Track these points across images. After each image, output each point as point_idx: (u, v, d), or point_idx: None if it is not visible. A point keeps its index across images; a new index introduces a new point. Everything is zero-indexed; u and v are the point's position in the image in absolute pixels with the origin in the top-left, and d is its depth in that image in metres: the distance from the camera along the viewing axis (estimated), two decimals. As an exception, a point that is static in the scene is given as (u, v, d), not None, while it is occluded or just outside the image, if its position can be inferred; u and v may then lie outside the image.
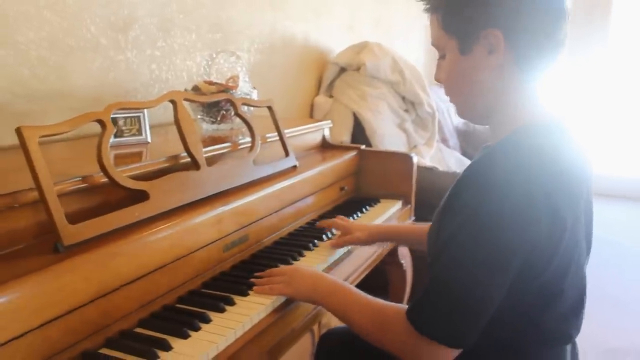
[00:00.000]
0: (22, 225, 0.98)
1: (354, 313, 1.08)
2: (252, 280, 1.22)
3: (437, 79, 1.11)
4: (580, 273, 1.04)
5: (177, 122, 1.26)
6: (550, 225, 0.92)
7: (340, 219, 1.58)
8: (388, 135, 2.87)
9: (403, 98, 3.13)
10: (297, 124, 1.89)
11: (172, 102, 1.27)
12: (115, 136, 1.42)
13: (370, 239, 1.52)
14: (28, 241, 0.98)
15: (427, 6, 1.07)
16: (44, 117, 1.55)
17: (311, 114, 2.93)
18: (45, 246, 0.96)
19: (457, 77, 1.06)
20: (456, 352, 0.95)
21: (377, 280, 1.89)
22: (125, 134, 1.45)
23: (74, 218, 0.98)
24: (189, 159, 1.28)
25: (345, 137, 2.78)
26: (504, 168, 0.92)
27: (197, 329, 1.02)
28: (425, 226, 1.40)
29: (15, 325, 0.82)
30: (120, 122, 1.43)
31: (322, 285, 1.15)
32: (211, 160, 1.35)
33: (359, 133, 2.80)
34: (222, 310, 1.10)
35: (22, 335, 0.83)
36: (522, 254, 0.91)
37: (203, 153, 1.30)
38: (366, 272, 1.67)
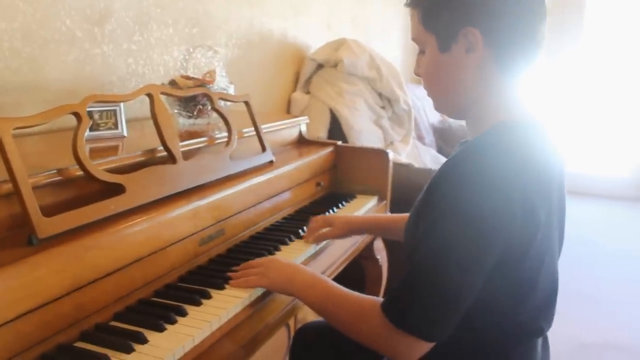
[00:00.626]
0: (-5, 218, 0.97)
1: (330, 305, 1.09)
2: (229, 274, 1.22)
3: (416, 73, 1.12)
4: (553, 267, 1.06)
5: (153, 115, 1.26)
6: (524, 221, 0.93)
7: (315, 221, 1.54)
8: (364, 131, 2.88)
9: (380, 95, 3.15)
10: (274, 120, 1.90)
11: (149, 95, 1.26)
12: (91, 130, 1.40)
13: (347, 231, 1.52)
14: (1, 234, 0.97)
15: (408, 1, 1.08)
16: (18, 109, 1.53)
17: (288, 110, 2.94)
18: (19, 239, 0.95)
19: (435, 74, 1.07)
20: (430, 345, 0.97)
21: (354, 274, 1.90)
22: (101, 128, 1.43)
23: (49, 211, 0.97)
24: (165, 153, 1.28)
25: (322, 133, 2.79)
26: (481, 164, 0.94)
27: (173, 322, 1.02)
28: (403, 216, 1.41)
29: (-11, 318, 0.82)
30: (96, 116, 1.42)
31: (299, 277, 1.16)
32: (188, 155, 1.34)
33: (336, 129, 2.81)
34: (198, 304, 1.10)
35: (-4, 328, 0.82)
36: (497, 248, 0.92)
37: (180, 147, 1.30)
38: (342, 267, 1.68)
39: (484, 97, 1.03)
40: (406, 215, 1.37)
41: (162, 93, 1.31)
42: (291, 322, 1.91)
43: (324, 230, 1.51)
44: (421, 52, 1.09)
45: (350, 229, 1.52)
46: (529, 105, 1.05)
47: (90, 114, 1.37)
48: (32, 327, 0.89)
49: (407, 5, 1.08)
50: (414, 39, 1.09)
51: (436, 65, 1.05)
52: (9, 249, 0.92)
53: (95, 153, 1.28)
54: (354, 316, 1.05)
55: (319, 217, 1.55)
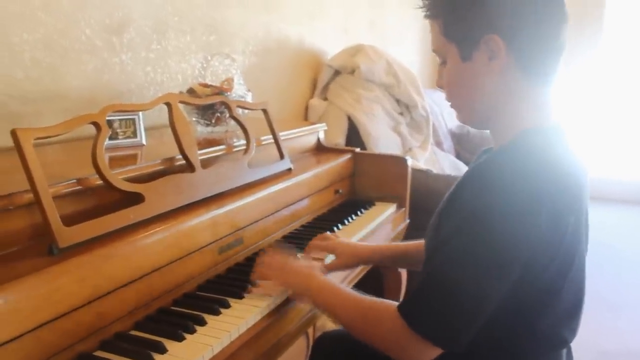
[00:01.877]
0: (17, 227, 0.97)
1: (343, 309, 1.08)
2: (251, 279, 1.22)
3: (439, 85, 1.11)
4: (580, 277, 1.04)
5: (172, 124, 1.26)
6: (551, 230, 0.92)
7: (321, 239, 1.47)
8: (383, 138, 2.87)
9: (397, 101, 3.14)
10: (292, 127, 1.90)
11: (167, 104, 1.27)
12: (111, 138, 1.41)
13: (354, 263, 1.45)
14: (23, 243, 0.98)
15: (428, 13, 1.06)
16: (38, 118, 1.54)
17: (306, 117, 2.94)
18: (40, 248, 0.95)
19: (458, 84, 1.06)
20: (440, 351, 0.95)
21: (372, 283, 1.89)
22: (120, 136, 1.45)
23: (69, 220, 0.98)
24: (184, 162, 1.28)
25: (340, 140, 2.78)
26: (509, 171, 0.92)
27: (192, 331, 1.02)
28: (419, 244, 1.38)
29: (10, 327, 0.82)
30: (116, 125, 1.43)
31: (311, 283, 1.15)
32: (206, 163, 1.35)
33: (354, 136, 2.80)
34: (217, 313, 1.10)
35: (17, 338, 0.83)
36: (521, 258, 0.91)
37: (198, 155, 1.30)
38: (361, 275, 1.67)
39: (509, 104, 1.02)
40: (421, 242, 1.35)
41: (181, 102, 1.32)
42: (310, 330, 1.90)
43: (330, 259, 1.44)
44: (442, 63, 1.08)
45: (359, 261, 1.45)
46: (554, 110, 1.03)
47: (109, 122, 1.38)
48: (53, 336, 0.89)
49: (427, 17, 1.07)
50: (435, 51, 1.08)
51: (458, 75, 1.04)
52: (30, 259, 0.93)
53: (114, 162, 1.29)
54: (368, 319, 1.03)
55: (322, 244, 1.45)
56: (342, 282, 1.53)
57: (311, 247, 1.45)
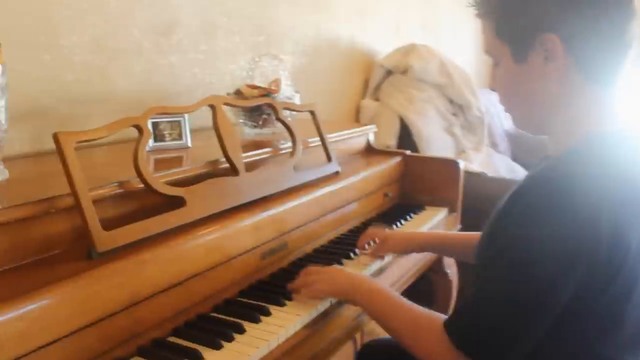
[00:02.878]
0: (58, 231, 0.97)
1: (390, 315, 1.05)
2: (290, 287, 1.19)
3: (492, 88, 1.05)
4: None
5: (216, 127, 1.25)
6: (611, 247, 0.84)
7: (373, 230, 1.49)
8: (435, 139, 2.80)
9: (451, 101, 3.06)
10: (341, 128, 1.86)
11: (212, 106, 1.25)
12: (157, 140, 1.42)
13: (405, 249, 1.45)
14: (64, 246, 0.98)
15: (479, 11, 1.01)
16: (88, 120, 1.55)
17: (357, 118, 2.89)
18: (80, 252, 0.95)
19: (512, 87, 0.99)
20: None
21: (423, 289, 1.84)
22: (167, 139, 1.44)
23: (110, 224, 0.97)
24: (228, 165, 1.26)
25: (392, 142, 2.72)
26: (567, 183, 0.85)
27: (230, 339, 1.00)
28: (470, 235, 1.34)
29: (49, 331, 0.82)
30: (162, 127, 1.43)
31: (361, 285, 1.12)
32: (251, 166, 1.32)
33: (406, 137, 2.74)
34: (257, 321, 1.07)
35: (55, 341, 0.83)
36: (576, 276, 0.84)
37: (242, 158, 1.28)
38: (411, 281, 1.63)
39: (567, 109, 0.95)
40: (477, 234, 1.29)
41: (225, 104, 1.30)
42: (357, 336, 1.86)
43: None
44: (496, 64, 1.01)
45: (408, 246, 1.44)
46: (618, 114, 0.95)
47: (156, 125, 1.38)
48: (90, 341, 0.89)
49: (478, 16, 1.01)
50: (486, 52, 1.02)
51: (512, 77, 0.98)
52: (70, 263, 0.92)
53: (159, 164, 1.28)
54: (413, 330, 1.00)
55: (375, 232, 1.47)
56: (392, 285, 1.50)
57: (362, 238, 1.45)
